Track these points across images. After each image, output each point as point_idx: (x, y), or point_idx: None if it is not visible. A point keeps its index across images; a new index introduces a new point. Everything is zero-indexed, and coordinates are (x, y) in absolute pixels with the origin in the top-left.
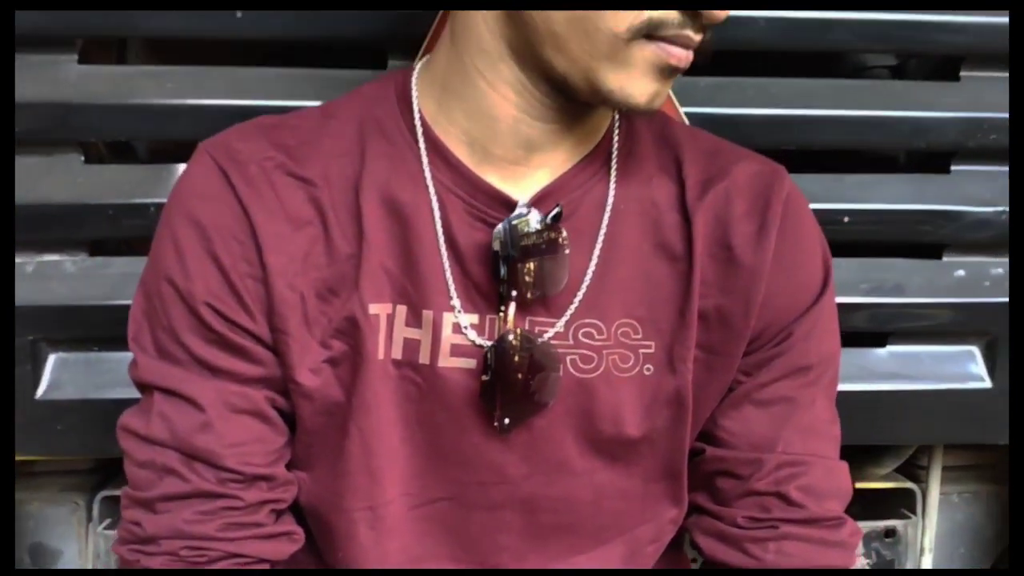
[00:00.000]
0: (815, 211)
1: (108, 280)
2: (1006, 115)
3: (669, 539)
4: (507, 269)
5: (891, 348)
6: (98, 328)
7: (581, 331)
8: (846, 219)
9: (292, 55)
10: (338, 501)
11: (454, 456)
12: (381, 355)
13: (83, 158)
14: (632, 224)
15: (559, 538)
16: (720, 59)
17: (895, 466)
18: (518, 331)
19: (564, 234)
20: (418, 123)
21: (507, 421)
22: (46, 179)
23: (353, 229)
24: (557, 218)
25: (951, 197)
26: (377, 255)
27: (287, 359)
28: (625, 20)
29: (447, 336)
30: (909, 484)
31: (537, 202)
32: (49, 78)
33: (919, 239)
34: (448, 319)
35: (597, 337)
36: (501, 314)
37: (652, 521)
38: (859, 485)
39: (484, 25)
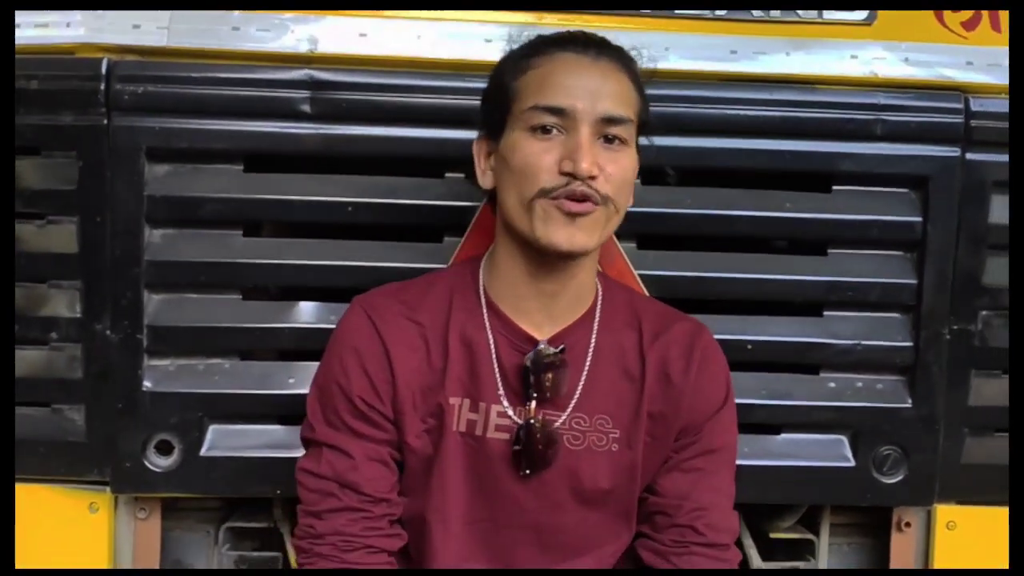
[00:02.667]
0: (731, 340)
1: (252, 378)
2: (864, 279)
3: (622, 552)
4: (533, 380)
5: (784, 435)
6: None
7: (573, 420)
8: (749, 347)
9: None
10: (424, 514)
11: (493, 494)
12: (455, 428)
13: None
14: (607, 358)
15: (555, 550)
16: None
17: (793, 521)
18: (540, 418)
19: (566, 362)
20: (482, 292)
21: (528, 472)
22: None
23: (442, 353)
24: (563, 351)
25: (824, 333)
26: (455, 369)
27: (402, 429)
28: (535, 185)
29: (492, 419)
30: (809, 535)
31: (550, 342)
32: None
33: (802, 361)
34: (495, 408)
35: (583, 425)
36: (528, 405)
37: (613, 543)
38: (772, 535)
39: (498, 222)
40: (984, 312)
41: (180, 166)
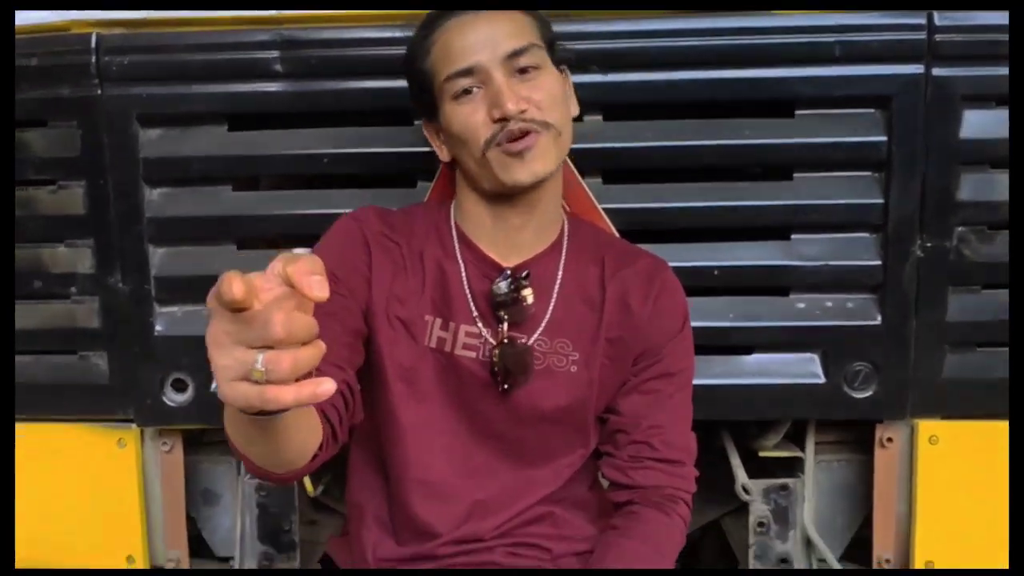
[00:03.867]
0: (699, 267)
1: None
2: (830, 202)
3: (579, 465)
4: (500, 306)
5: (755, 356)
6: None
7: (537, 343)
8: (716, 272)
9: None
10: (397, 419)
11: (461, 406)
12: (426, 342)
13: None
14: (570, 287)
15: (515, 458)
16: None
17: (777, 440)
18: (512, 339)
19: (527, 292)
20: (453, 226)
21: (507, 387)
22: None
23: (418, 274)
24: (527, 277)
25: (791, 256)
26: (429, 290)
27: (373, 328)
28: (478, 143)
29: (461, 338)
30: (796, 452)
31: (517, 269)
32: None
33: (771, 283)
34: (464, 328)
35: (544, 347)
36: (501, 327)
37: (568, 455)
38: (762, 454)
39: (458, 172)
40: (960, 228)
41: (169, 129)
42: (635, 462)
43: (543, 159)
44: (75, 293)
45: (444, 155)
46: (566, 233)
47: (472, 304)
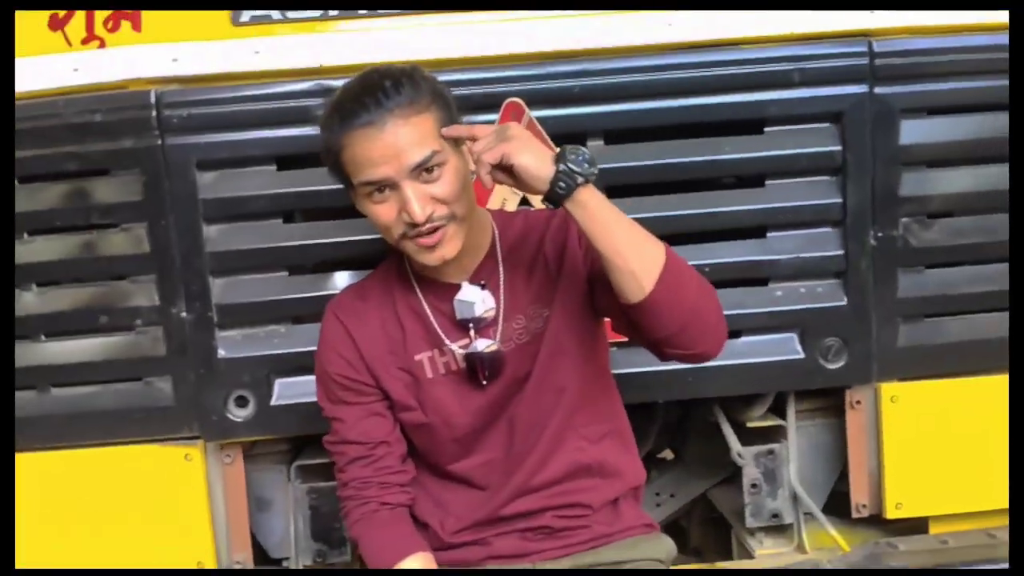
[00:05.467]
0: (693, 266)
1: (304, 338)
2: (798, 203)
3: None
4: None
5: (743, 339)
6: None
7: (513, 323)
8: (707, 269)
9: None
10: (429, 443)
11: (476, 400)
12: (429, 375)
13: None
14: (516, 269)
15: (521, 431)
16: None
17: (764, 410)
18: (481, 347)
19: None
20: (408, 268)
21: (485, 383)
22: None
23: (396, 324)
24: (484, 287)
25: (768, 251)
26: (412, 331)
27: (385, 387)
28: (392, 235)
29: (458, 354)
30: (780, 421)
31: (470, 281)
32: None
33: (752, 276)
34: (454, 346)
35: (522, 322)
36: (470, 334)
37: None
38: (749, 424)
39: None
40: (904, 219)
41: (225, 172)
42: None
43: (451, 243)
44: (140, 325)
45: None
46: (496, 233)
47: (447, 325)
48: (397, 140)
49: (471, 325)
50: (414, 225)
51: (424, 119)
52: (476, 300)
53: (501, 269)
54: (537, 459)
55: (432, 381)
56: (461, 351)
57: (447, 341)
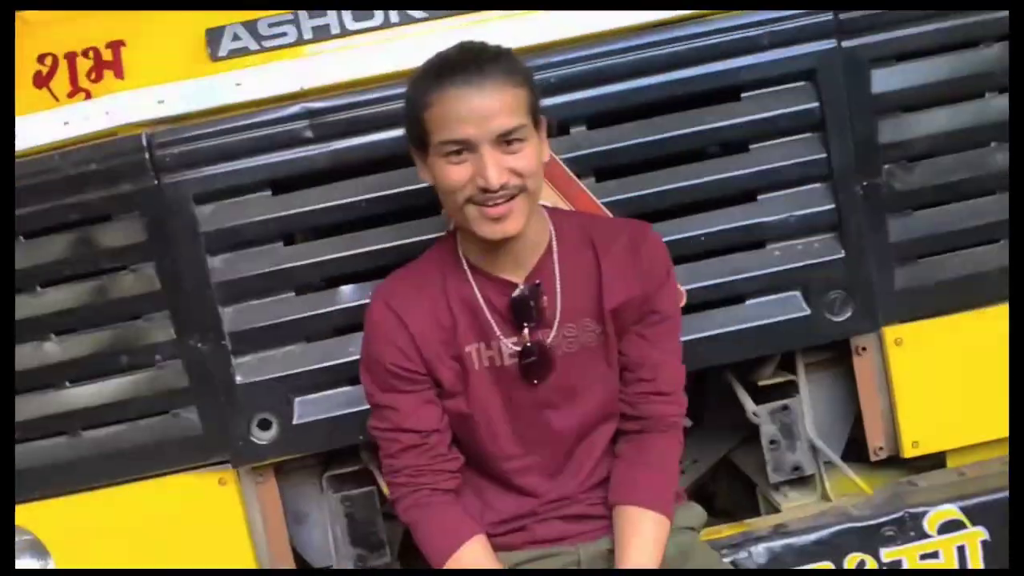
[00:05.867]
0: (689, 237)
1: (319, 355)
2: (784, 163)
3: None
4: (518, 314)
5: (749, 302)
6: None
7: (564, 331)
8: (703, 238)
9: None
10: (472, 433)
11: (517, 400)
12: (476, 367)
13: None
14: (572, 277)
15: (558, 437)
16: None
17: (773, 368)
18: (536, 340)
19: (534, 297)
20: (463, 258)
21: (536, 381)
22: None
23: (447, 314)
24: (539, 286)
25: (762, 213)
26: (462, 323)
27: (437, 375)
28: (458, 198)
29: (505, 351)
30: (791, 376)
31: (525, 281)
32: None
33: (749, 240)
34: (503, 342)
35: (573, 332)
36: (523, 333)
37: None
38: (761, 383)
39: None
40: (886, 166)
41: (222, 203)
42: (641, 398)
43: (515, 219)
44: (160, 360)
45: (425, 178)
46: (553, 232)
47: (498, 321)
48: (491, 103)
49: (526, 325)
50: (485, 191)
51: (517, 93)
52: (533, 301)
53: (557, 272)
54: (575, 466)
55: (477, 373)
56: (511, 348)
57: (499, 334)
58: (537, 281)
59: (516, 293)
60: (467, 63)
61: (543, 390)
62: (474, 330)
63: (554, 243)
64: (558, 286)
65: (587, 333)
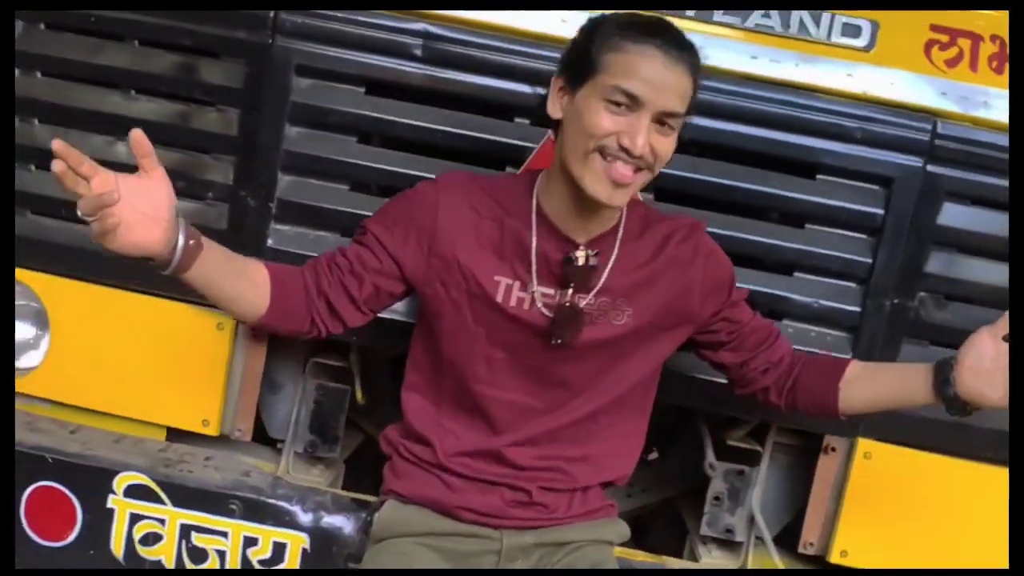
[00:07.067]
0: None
1: None
2: (830, 252)
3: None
4: (571, 272)
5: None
6: None
7: (600, 301)
8: None
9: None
10: (466, 361)
11: (530, 357)
12: (498, 299)
13: None
14: (626, 258)
15: (551, 391)
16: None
17: (743, 433)
18: (574, 302)
19: (595, 264)
20: (535, 199)
21: (559, 341)
22: None
23: (495, 240)
24: (597, 255)
25: (791, 289)
26: (508, 255)
27: (443, 282)
28: (591, 145)
29: (538, 298)
30: (758, 447)
31: (589, 246)
32: None
33: (770, 309)
34: (540, 290)
35: (606, 305)
36: (566, 291)
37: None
38: (729, 442)
39: (556, 147)
40: (921, 293)
41: (319, 82)
42: (772, 354)
43: (627, 193)
44: (210, 197)
45: (555, 111)
46: (623, 216)
47: (544, 269)
48: (675, 81)
49: (572, 285)
50: (624, 150)
51: (692, 85)
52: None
53: (617, 249)
54: (553, 420)
55: (499, 306)
56: (544, 299)
57: (537, 284)
58: (597, 251)
59: (578, 254)
60: (673, 37)
61: (555, 351)
62: (514, 268)
63: (622, 222)
64: (612, 260)
65: (616, 311)
